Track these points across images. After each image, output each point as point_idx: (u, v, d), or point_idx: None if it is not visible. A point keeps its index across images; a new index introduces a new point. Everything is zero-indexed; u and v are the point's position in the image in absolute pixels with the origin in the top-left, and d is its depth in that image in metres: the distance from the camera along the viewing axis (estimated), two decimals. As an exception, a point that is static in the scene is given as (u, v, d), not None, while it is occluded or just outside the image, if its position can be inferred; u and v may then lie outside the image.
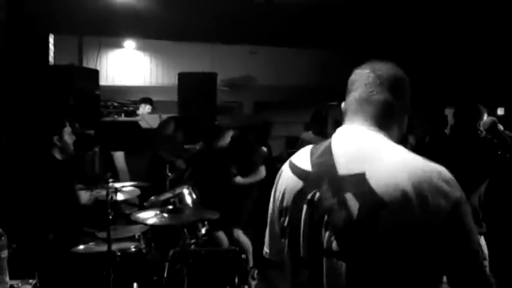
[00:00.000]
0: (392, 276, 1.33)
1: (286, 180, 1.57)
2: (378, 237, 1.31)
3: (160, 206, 3.84)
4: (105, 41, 9.27)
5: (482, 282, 1.34)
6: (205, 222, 3.96)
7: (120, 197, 3.84)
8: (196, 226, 3.93)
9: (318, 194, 1.43)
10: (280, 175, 1.63)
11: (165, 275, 3.49)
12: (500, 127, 4.24)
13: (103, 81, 8.08)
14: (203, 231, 3.91)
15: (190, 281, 3.44)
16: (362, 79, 1.53)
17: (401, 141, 1.55)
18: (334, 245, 1.38)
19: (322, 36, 8.68)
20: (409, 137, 6.13)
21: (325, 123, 6.06)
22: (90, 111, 6.54)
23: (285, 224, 1.54)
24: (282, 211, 1.56)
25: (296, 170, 1.55)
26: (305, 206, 1.46)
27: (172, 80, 8.56)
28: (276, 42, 9.57)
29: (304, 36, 8.75)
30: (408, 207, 1.30)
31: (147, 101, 8.12)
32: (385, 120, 1.50)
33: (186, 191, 4.10)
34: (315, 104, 8.05)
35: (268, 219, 1.68)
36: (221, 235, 4.75)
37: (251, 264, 4.57)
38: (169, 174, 4.57)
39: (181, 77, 7.77)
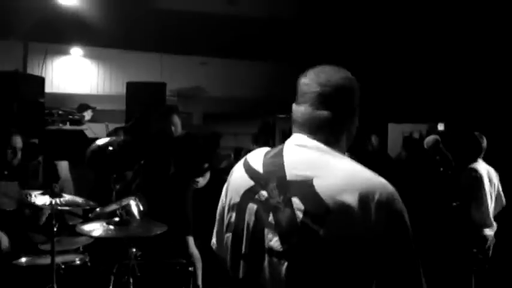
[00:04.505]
0: (331, 280, 1.37)
1: (238, 178, 1.62)
2: (320, 241, 1.35)
3: (106, 217, 3.78)
4: (51, 48, 9.05)
5: None
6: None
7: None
8: (143, 238, 3.88)
9: (265, 193, 1.49)
10: (232, 172, 1.69)
11: (111, 288, 3.44)
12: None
13: (48, 88, 7.87)
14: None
15: (136, 294, 3.41)
16: (307, 94, 1.57)
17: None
18: (277, 244, 1.43)
19: (272, 49, 8.79)
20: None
21: (272, 135, 6.12)
22: (34, 119, 6.37)
23: (231, 219, 1.59)
24: (230, 207, 1.61)
25: (248, 169, 1.60)
26: (251, 204, 1.52)
27: (120, 89, 8.45)
28: (226, 54, 9.63)
29: (254, 48, 8.84)
30: (351, 215, 1.34)
31: (87, 107, 7.99)
32: (331, 132, 1.55)
33: (133, 203, 4.04)
34: (263, 116, 8.14)
35: (218, 213, 1.74)
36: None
37: (199, 279, 4.55)
38: (117, 186, 4.51)
39: (130, 86, 7.67)
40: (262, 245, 1.46)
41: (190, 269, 3.70)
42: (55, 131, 7.27)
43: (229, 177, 1.71)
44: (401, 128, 10.50)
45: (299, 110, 1.59)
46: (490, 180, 4.42)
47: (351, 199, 1.35)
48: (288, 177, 1.47)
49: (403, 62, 8.90)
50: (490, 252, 4.38)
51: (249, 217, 1.52)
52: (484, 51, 7.81)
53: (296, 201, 1.41)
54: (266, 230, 1.46)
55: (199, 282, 4.55)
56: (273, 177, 1.50)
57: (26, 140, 5.05)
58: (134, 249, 3.62)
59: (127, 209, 3.91)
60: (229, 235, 1.61)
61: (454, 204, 4.39)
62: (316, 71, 1.61)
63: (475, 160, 4.41)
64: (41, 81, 7.02)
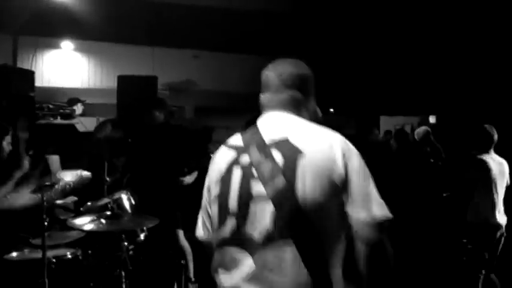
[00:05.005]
0: (309, 211, 1.61)
1: (220, 156, 1.85)
2: (298, 178, 1.62)
3: (98, 211, 3.77)
4: (42, 41, 8.99)
5: (377, 211, 1.64)
6: (144, 228, 3.91)
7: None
8: (135, 232, 3.88)
9: (247, 157, 1.74)
10: (214, 157, 1.90)
11: (103, 281, 3.43)
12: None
13: (38, 82, 7.82)
14: (142, 237, 3.87)
15: (128, 287, 3.41)
16: (270, 83, 1.92)
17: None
18: (262, 189, 1.65)
19: (265, 43, 8.78)
20: (373, 130, 6.40)
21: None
22: (24, 114, 6.33)
23: (217, 192, 1.78)
24: (215, 183, 1.80)
25: (229, 146, 1.85)
26: (236, 169, 1.74)
27: (111, 83, 8.40)
28: (218, 48, 9.61)
29: (246, 42, 8.82)
30: (321, 153, 1.66)
31: (77, 101, 7.94)
32: (293, 108, 1.86)
33: (124, 196, 4.02)
34: (255, 110, 8.12)
35: (203, 202, 1.90)
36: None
37: (191, 272, 4.54)
38: (108, 179, 4.49)
39: (121, 79, 7.62)
40: (250, 196, 1.67)
41: (182, 262, 3.70)
42: (46, 125, 7.22)
43: (210, 164, 1.89)
44: (393, 120, 10.55)
45: (265, 97, 1.93)
46: (502, 173, 4.38)
47: (320, 143, 1.69)
48: (267, 141, 1.74)
49: (396, 56, 8.92)
50: (500, 245, 4.29)
51: (235, 179, 1.73)
52: (475, 45, 7.83)
53: (276, 153, 1.69)
54: (252, 183, 1.68)
55: (191, 274, 4.55)
56: (252, 143, 1.76)
57: (16, 135, 5.02)
58: (126, 243, 3.61)
59: (118, 202, 3.91)
60: (215, 206, 1.78)
61: (445, 194, 4.39)
62: (274, 64, 1.95)
63: (487, 152, 4.36)
64: (31, 75, 6.98)
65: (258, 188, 1.66)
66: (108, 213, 3.61)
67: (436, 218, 4.59)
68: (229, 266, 1.69)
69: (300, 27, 8.17)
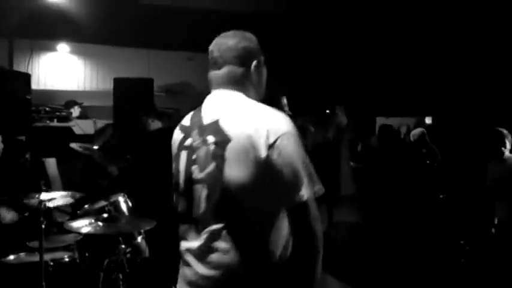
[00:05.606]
0: (237, 195, 1.70)
1: (175, 136, 1.99)
2: (225, 163, 1.71)
3: (95, 214, 3.76)
4: (38, 44, 8.97)
5: (306, 193, 1.70)
6: (142, 231, 3.91)
7: (52, 203, 3.72)
8: (132, 234, 3.88)
9: (190, 140, 1.86)
10: (173, 133, 2.01)
11: (100, 284, 3.43)
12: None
13: (35, 85, 7.81)
14: (139, 239, 3.87)
15: (125, 290, 3.41)
16: (212, 60, 1.98)
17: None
18: (200, 174, 1.79)
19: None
20: (372, 137, 6.57)
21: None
22: (21, 116, 6.32)
23: (173, 169, 1.94)
24: (173, 160, 1.95)
25: (181, 127, 1.98)
26: (183, 151, 1.88)
27: (107, 85, 8.39)
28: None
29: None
30: (247, 139, 1.70)
31: (74, 103, 7.93)
32: (234, 84, 1.92)
33: (121, 199, 4.03)
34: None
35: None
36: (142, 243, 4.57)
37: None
38: (104, 182, 4.49)
39: (117, 82, 7.62)
40: (191, 181, 1.81)
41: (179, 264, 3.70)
42: (42, 127, 7.22)
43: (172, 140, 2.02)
44: (389, 121, 10.56)
45: (210, 74, 1.99)
46: None
47: (247, 126, 1.71)
48: (204, 122, 1.84)
49: (392, 57, 8.94)
50: None
51: (182, 161, 1.87)
52: (471, 46, 7.86)
53: (210, 138, 1.78)
54: (192, 168, 1.81)
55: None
56: (195, 125, 1.87)
57: (13, 137, 5.01)
58: (123, 246, 3.61)
59: (115, 205, 3.91)
60: (173, 181, 1.93)
61: (441, 196, 4.40)
62: (216, 39, 2.02)
63: (504, 153, 4.40)
64: (27, 78, 6.97)
65: (196, 172, 1.80)
66: (105, 215, 3.61)
67: (432, 219, 4.61)
68: (186, 239, 1.86)
69: (294, 28, 8.18)
